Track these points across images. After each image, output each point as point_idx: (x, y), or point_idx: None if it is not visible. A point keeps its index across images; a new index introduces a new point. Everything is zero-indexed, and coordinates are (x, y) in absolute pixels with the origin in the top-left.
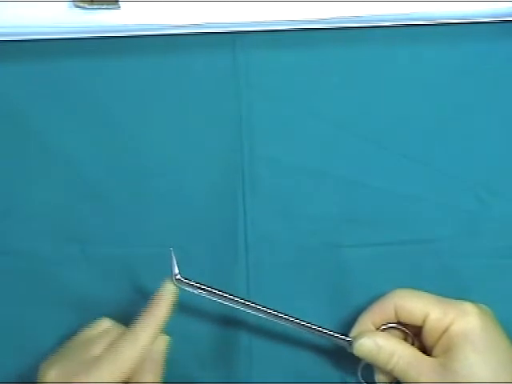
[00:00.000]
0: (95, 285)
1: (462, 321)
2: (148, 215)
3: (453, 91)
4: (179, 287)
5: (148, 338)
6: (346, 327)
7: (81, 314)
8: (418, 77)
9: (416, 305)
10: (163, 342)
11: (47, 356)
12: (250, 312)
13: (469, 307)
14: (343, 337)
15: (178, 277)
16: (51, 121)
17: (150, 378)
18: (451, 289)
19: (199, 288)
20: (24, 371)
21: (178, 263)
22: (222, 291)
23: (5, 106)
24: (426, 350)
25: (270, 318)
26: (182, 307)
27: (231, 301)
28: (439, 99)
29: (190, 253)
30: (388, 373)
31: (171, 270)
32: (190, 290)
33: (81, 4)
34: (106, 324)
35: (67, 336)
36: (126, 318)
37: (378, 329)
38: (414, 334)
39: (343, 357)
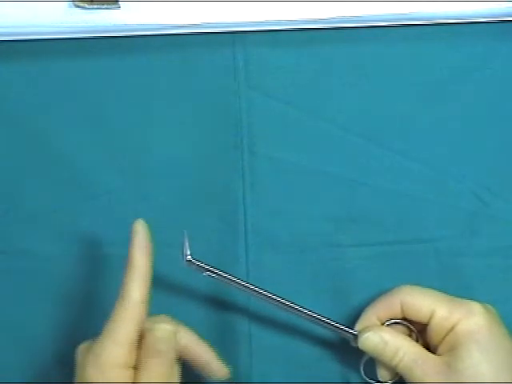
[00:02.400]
0: (95, 284)
1: (468, 321)
2: (148, 214)
3: (453, 91)
4: (190, 268)
5: (138, 293)
6: None
7: (81, 314)
8: (418, 77)
9: (423, 302)
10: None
11: (47, 355)
12: (257, 297)
13: (475, 307)
14: (349, 330)
15: (189, 258)
16: (51, 121)
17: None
18: (451, 288)
19: (209, 270)
20: (24, 370)
21: (189, 245)
22: (230, 274)
23: (5, 105)
24: (429, 348)
25: (277, 306)
26: (181, 297)
27: (239, 285)
28: (439, 99)
29: (190, 252)
30: (391, 368)
31: (182, 251)
32: (200, 271)
33: (81, 4)
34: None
35: (67, 335)
36: None
37: (382, 324)
38: (418, 330)
39: (345, 350)
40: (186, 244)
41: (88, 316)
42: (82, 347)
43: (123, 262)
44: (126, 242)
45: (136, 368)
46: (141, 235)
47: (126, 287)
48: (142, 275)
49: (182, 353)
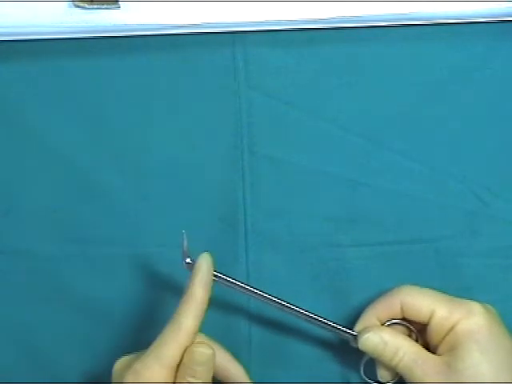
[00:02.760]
0: (95, 284)
1: (468, 321)
2: (148, 215)
3: (453, 91)
4: (189, 271)
5: (192, 324)
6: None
7: (81, 314)
8: (418, 77)
9: (422, 302)
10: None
11: (47, 355)
12: (256, 299)
13: (475, 307)
14: (349, 330)
15: (188, 260)
16: (51, 121)
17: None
18: (451, 288)
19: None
20: (24, 371)
21: (189, 246)
22: (231, 277)
23: (5, 105)
24: (429, 348)
25: (278, 308)
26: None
27: (240, 287)
28: (439, 99)
29: (190, 252)
30: (391, 369)
31: (182, 254)
32: None
33: (81, 4)
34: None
35: (67, 336)
36: (127, 317)
37: (382, 324)
38: (418, 330)
39: (345, 351)
40: (185, 247)
41: (88, 316)
42: (120, 363)
43: (123, 262)
44: (126, 241)
45: None
46: (204, 271)
47: (181, 316)
48: (198, 308)
49: (214, 371)
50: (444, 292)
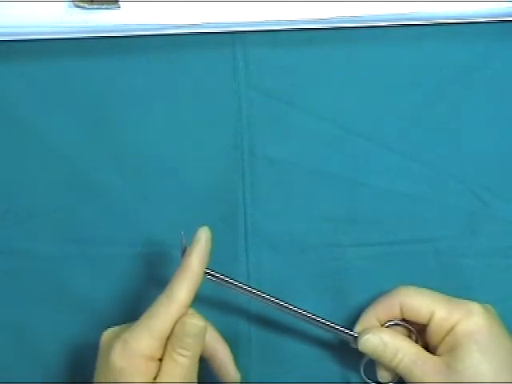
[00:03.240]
0: (95, 284)
1: (468, 321)
2: (148, 215)
3: (453, 91)
4: None
5: (183, 294)
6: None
7: (81, 314)
8: (418, 77)
9: (422, 303)
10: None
11: (47, 355)
12: (257, 300)
13: (475, 307)
14: (348, 331)
15: None
16: (51, 121)
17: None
18: (451, 288)
19: (208, 274)
20: (23, 370)
21: (187, 248)
22: (230, 278)
23: (5, 105)
24: (429, 348)
25: (277, 308)
26: None
27: (240, 288)
28: (439, 99)
29: None
30: (391, 369)
31: (181, 255)
32: None
33: (81, 4)
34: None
35: (67, 336)
36: (126, 317)
37: (382, 325)
38: (417, 331)
39: (345, 351)
40: (184, 247)
41: (88, 316)
42: (107, 333)
43: (123, 262)
44: (126, 241)
45: (162, 359)
46: (203, 243)
47: (175, 287)
48: (193, 280)
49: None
50: (444, 292)
